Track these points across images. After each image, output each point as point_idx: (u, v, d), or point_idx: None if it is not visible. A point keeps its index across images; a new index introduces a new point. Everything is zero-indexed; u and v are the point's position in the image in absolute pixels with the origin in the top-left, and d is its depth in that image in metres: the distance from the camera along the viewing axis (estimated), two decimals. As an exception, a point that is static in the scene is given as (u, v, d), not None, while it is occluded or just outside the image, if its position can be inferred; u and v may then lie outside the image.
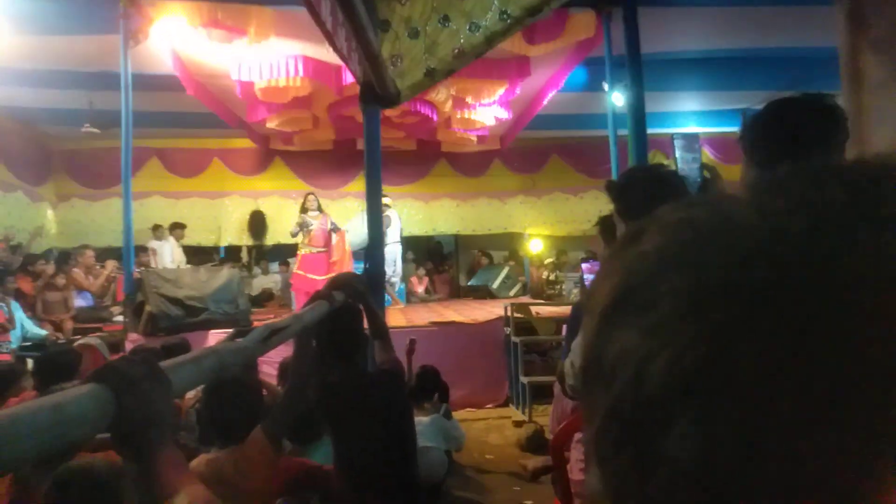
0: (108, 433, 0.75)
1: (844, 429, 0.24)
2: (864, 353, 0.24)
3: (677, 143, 1.77)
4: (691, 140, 1.79)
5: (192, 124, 8.84)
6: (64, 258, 8.03)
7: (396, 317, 6.85)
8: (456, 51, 2.98)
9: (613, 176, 6.43)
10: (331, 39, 2.45)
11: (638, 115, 4.66)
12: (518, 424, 5.34)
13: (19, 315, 6.30)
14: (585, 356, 0.33)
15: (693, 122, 9.51)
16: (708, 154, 9.09)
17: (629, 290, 0.30)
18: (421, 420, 3.36)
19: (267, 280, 10.30)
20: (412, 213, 10.87)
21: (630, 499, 0.29)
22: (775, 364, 0.25)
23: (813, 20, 5.01)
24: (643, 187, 1.63)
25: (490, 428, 5.41)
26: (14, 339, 6.08)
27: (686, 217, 0.31)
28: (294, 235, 7.86)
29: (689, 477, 0.26)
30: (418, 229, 11.00)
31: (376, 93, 2.92)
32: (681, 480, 0.26)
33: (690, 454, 0.26)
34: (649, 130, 4.92)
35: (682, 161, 1.75)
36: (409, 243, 11.40)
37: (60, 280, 7.51)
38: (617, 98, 6.30)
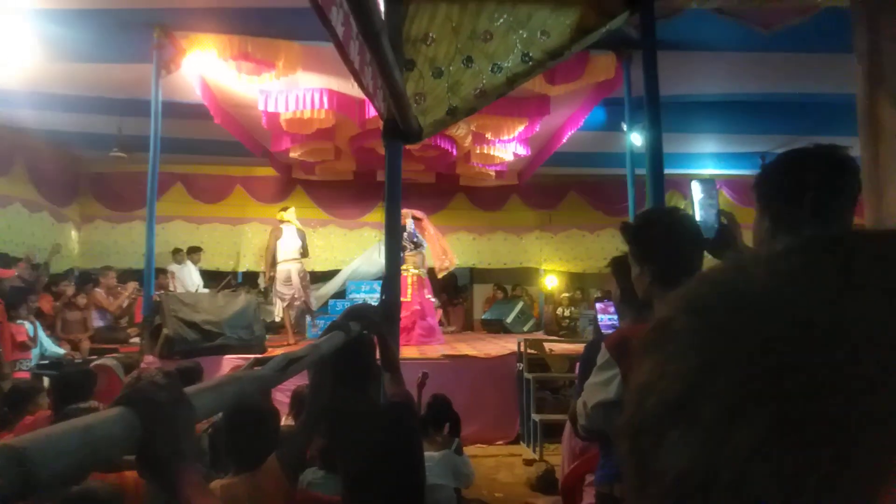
0: (133, 455, 0.78)
1: (791, 456, 0.28)
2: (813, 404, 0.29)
3: (695, 187, 1.79)
4: (709, 185, 1.81)
5: (217, 152, 9.05)
6: (85, 278, 8.14)
7: (409, 349, 6.84)
8: (478, 91, 3.05)
9: (630, 214, 6.44)
10: (358, 77, 2.53)
11: (656, 156, 4.67)
12: (528, 463, 5.27)
13: (40, 334, 6.39)
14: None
15: (711, 164, 9.49)
16: (725, 195, 9.07)
17: (655, 331, 0.36)
18: (432, 455, 3.32)
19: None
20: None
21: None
22: (740, 398, 0.30)
23: (831, 67, 5.04)
24: (659, 231, 1.64)
25: (500, 465, 5.35)
26: (33, 356, 6.16)
27: (710, 274, 0.37)
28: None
29: (671, 486, 0.31)
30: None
31: (399, 129, 2.99)
32: (666, 489, 0.32)
33: (674, 467, 0.31)
34: (667, 171, 4.94)
35: (700, 206, 1.77)
36: (425, 275, 11.41)
37: (81, 300, 7.61)
38: (635, 138, 6.35)
